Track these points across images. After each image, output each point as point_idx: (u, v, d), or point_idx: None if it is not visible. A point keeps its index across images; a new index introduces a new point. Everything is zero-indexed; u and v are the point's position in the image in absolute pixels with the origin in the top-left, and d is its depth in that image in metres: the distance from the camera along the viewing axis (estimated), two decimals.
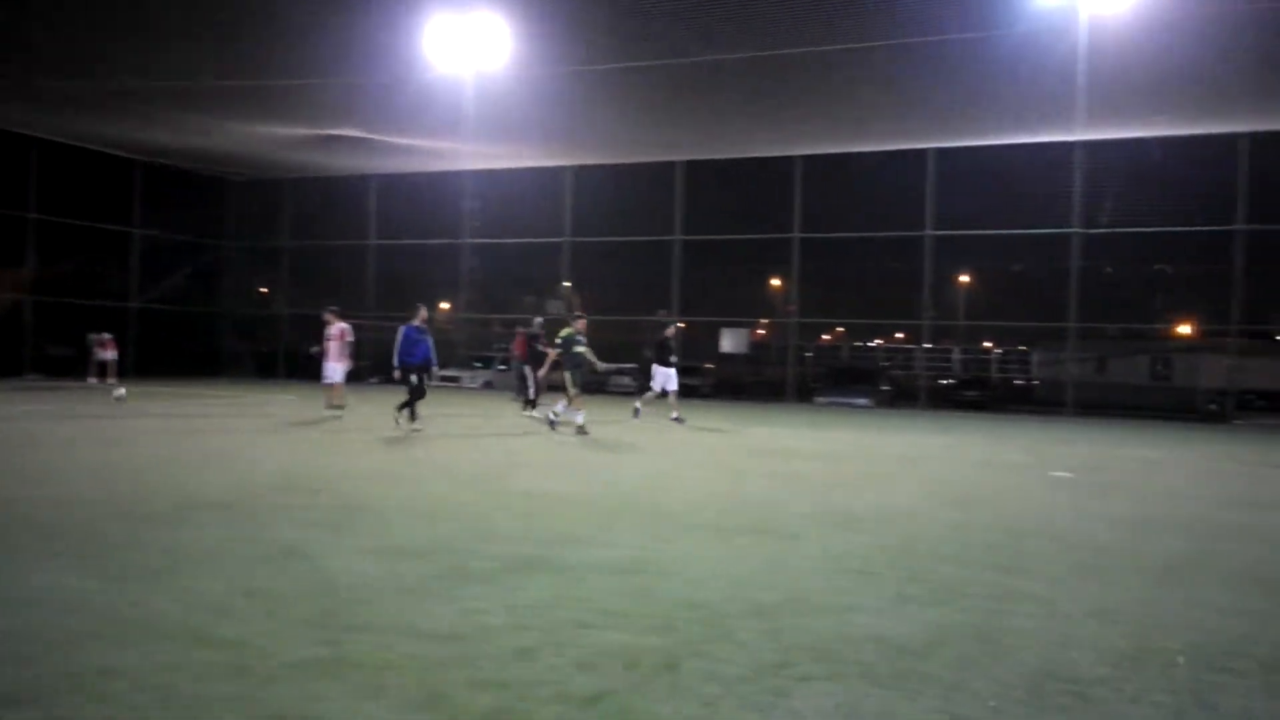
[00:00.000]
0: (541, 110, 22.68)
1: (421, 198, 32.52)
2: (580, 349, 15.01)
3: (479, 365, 33.08)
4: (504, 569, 5.26)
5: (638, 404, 18.56)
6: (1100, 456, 13.94)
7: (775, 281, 33.76)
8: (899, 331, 42.65)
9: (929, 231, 26.65)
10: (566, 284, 33.17)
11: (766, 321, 37.13)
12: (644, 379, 34.02)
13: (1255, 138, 23.01)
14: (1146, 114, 21.61)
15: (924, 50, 19.14)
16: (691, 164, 28.68)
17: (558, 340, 15.25)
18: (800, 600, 4.80)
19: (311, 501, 7.38)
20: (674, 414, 17.58)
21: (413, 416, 13.79)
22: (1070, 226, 24.68)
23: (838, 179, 28.40)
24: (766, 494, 8.76)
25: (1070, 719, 3.33)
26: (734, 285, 35.36)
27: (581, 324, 15.25)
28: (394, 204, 32.70)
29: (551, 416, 15.14)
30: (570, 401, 14.73)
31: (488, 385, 31.43)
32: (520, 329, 25.52)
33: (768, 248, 30.40)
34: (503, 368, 31.93)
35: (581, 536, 6.31)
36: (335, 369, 16.43)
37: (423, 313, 14.56)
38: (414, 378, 13.97)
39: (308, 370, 31.36)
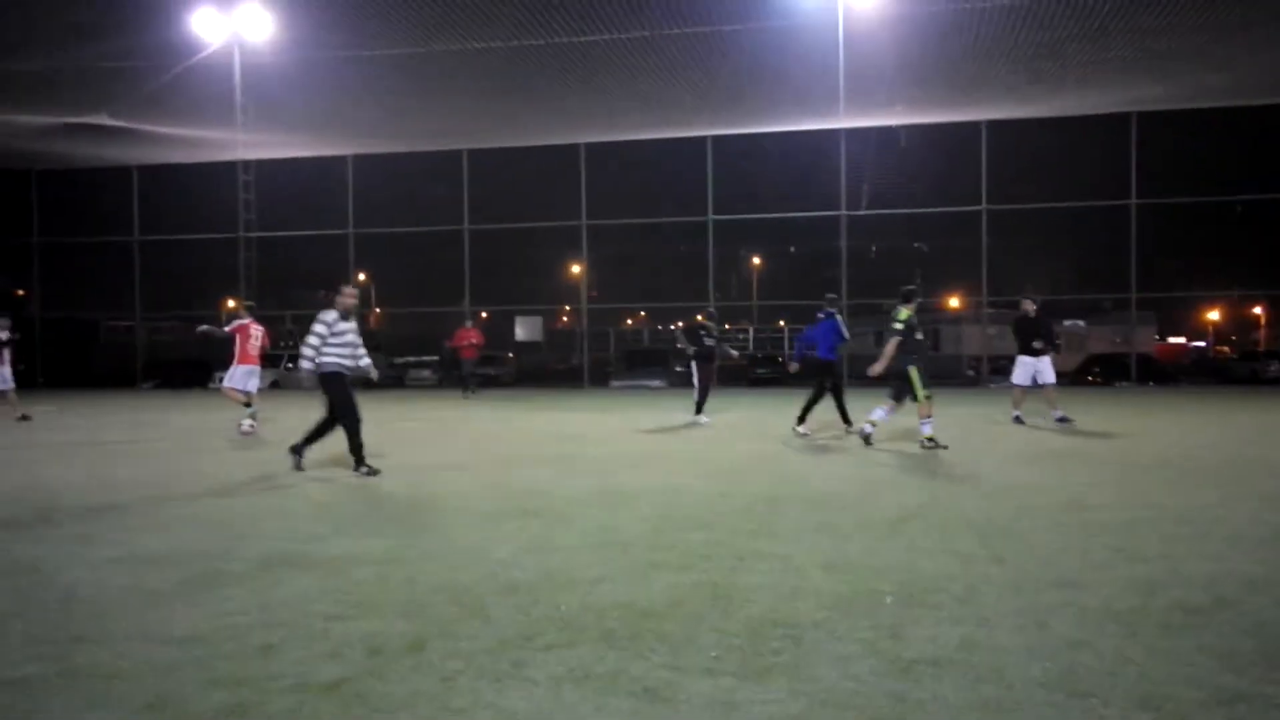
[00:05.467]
0: (315, 96, 22.00)
1: (191, 190, 30.82)
2: (919, 335, 11.09)
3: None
4: (258, 567, 5.19)
5: (1016, 412, 14.46)
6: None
7: (574, 269, 34.23)
8: (699, 314, 44.09)
9: (711, 216, 27.69)
10: (362, 277, 32.38)
11: (569, 308, 37.45)
12: (444, 370, 33.80)
13: (991, 125, 25.35)
14: (895, 102, 23.28)
15: (696, 41, 19.86)
16: (475, 152, 28.54)
17: (896, 325, 10.96)
18: (555, 576, 4.99)
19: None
20: (1057, 412, 14.01)
21: (801, 419, 12.72)
22: (838, 209, 26.29)
23: (620, 166, 29.07)
24: (541, 477, 8.94)
25: (781, 659, 3.67)
26: (527, 273, 35.55)
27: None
28: (160, 197, 30.78)
29: (867, 428, 11.25)
30: (924, 406, 10.92)
31: (274, 385, 30.20)
32: (470, 323, 24.51)
33: (559, 234, 30.77)
34: (289, 366, 30.71)
35: (342, 529, 6.28)
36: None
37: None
38: (828, 380, 12.86)
39: (64, 378, 29.17)
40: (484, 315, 27.68)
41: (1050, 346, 14.28)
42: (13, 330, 17.07)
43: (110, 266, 31.52)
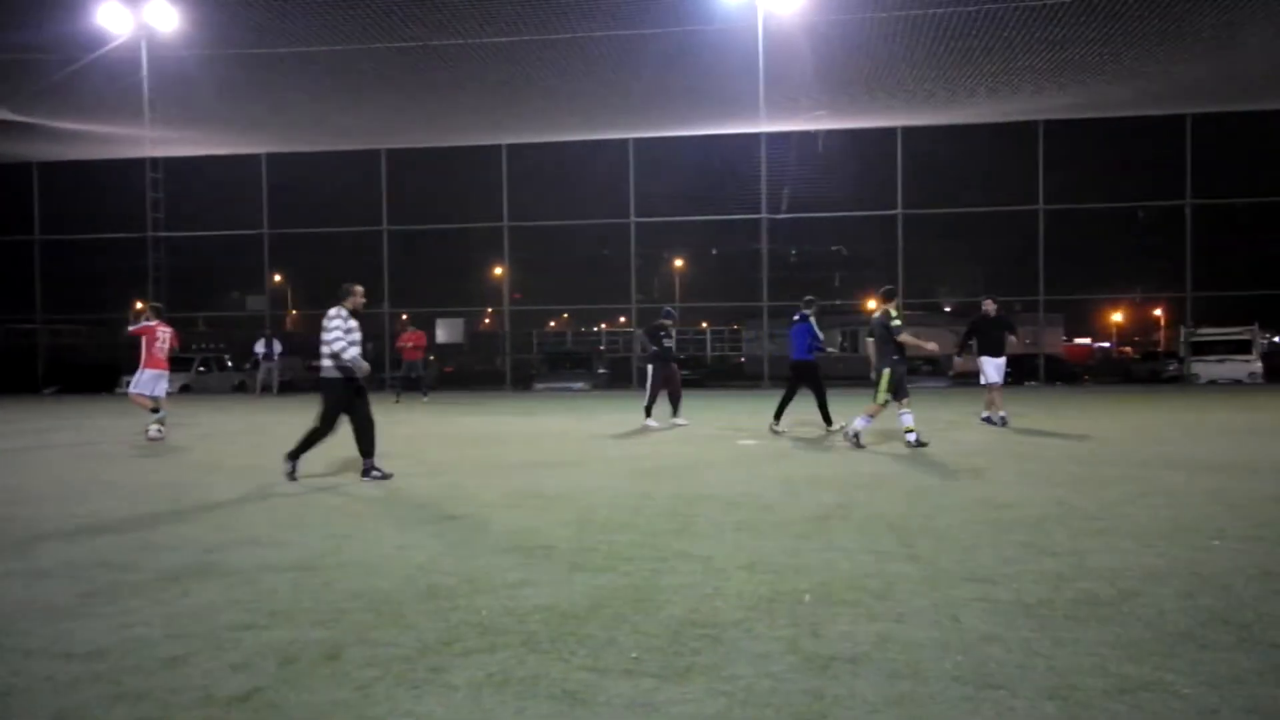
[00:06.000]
0: (226, 92, 21.44)
1: (97, 188, 29.73)
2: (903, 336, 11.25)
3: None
4: (165, 578, 5.02)
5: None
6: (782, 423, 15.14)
7: (497, 270, 33.93)
8: (621, 315, 43.98)
9: (634, 219, 27.75)
10: (278, 279, 31.63)
11: (491, 310, 37.14)
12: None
13: (907, 131, 25.94)
14: (814, 108, 23.67)
15: (617, 43, 19.89)
16: (394, 152, 28.13)
17: (897, 323, 11.16)
18: (476, 580, 4.94)
19: None
20: (989, 413, 14.25)
21: (777, 417, 13.22)
22: (759, 213, 26.60)
23: (542, 168, 28.97)
24: (463, 481, 8.84)
25: (700, 659, 3.68)
26: (449, 275, 35.13)
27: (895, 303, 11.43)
28: (64, 195, 29.64)
29: (911, 438, 11.09)
30: (872, 406, 11.25)
31: (184, 389, 29.33)
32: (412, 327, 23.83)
33: (481, 235, 30.50)
34: (202, 369, 29.92)
35: (256, 538, 6.12)
36: None
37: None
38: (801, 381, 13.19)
39: None
40: (404, 317, 27.24)
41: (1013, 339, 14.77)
42: None
43: (10, 267, 30.23)
